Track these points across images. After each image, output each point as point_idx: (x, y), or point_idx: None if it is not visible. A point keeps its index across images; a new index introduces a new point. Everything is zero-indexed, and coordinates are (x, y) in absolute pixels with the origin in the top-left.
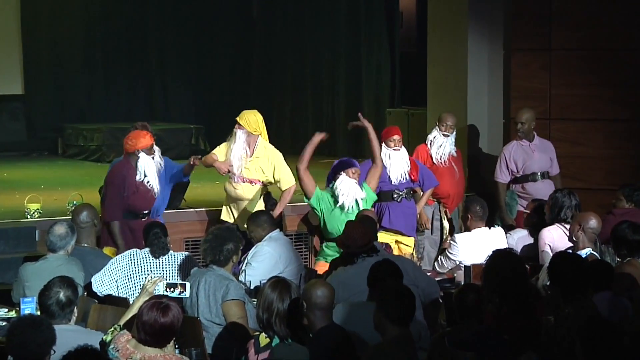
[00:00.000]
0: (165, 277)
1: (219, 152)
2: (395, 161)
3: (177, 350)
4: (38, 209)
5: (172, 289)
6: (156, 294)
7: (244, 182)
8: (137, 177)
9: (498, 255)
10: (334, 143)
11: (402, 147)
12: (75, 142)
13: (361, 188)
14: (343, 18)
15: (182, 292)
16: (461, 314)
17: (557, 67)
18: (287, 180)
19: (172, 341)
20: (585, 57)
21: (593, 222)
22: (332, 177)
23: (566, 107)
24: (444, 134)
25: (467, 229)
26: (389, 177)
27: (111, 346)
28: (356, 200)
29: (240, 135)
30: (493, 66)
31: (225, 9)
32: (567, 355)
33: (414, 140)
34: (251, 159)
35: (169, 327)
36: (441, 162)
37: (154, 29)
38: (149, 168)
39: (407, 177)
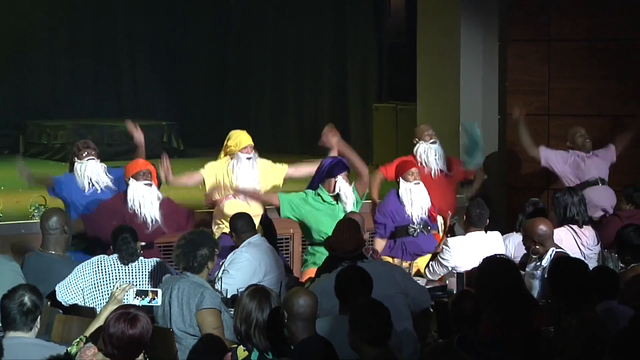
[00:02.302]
0: (135, 285)
1: (207, 174)
2: (417, 196)
3: None
4: None
5: (142, 297)
6: (125, 302)
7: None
8: (129, 206)
9: (490, 262)
10: (317, 141)
11: (420, 181)
12: (38, 140)
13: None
14: (327, 6)
15: (154, 299)
16: (458, 322)
17: (557, 59)
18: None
19: (142, 354)
20: (588, 48)
21: (542, 228)
22: (322, 179)
23: (566, 102)
24: (431, 143)
25: (463, 232)
26: (408, 214)
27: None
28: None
29: (254, 157)
30: (488, 58)
31: None
32: None
33: (402, 138)
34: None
35: (138, 339)
36: (438, 171)
37: (123, 17)
38: (141, 195)
39: (427, 214)
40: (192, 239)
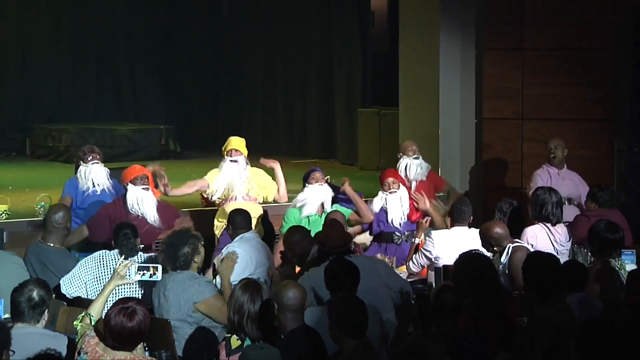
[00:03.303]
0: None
1: (210, 179)
2: (392, 205)
3: (147, 353)
4: (6, 211)
5: (144, 272)
6: (128, 277)
7: (249, 200)
8: (129, 209)
9: (466, 257)
10: (305, 144)
11: (400, 187)
12: (43, 143)
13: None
14: (314, 17)
15: (154, 274)
16: (438, 315)
17: (530, 67)
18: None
19: (142, 344)
20: (558, 56)
21: (498, 231)
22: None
23: (539, 107)
24: (414, 158)
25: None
26: (391, 220)
27: (80, 347)
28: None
29: (240, 160)
30: (465, 65)
31: (195, 7)
32: (542, 356)
33: (386, 141)
34: (251, 178)
35: (136, 332)
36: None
37: (123, 27)
38: (140, 199)
39: (406, 219)
40: (170, 242)
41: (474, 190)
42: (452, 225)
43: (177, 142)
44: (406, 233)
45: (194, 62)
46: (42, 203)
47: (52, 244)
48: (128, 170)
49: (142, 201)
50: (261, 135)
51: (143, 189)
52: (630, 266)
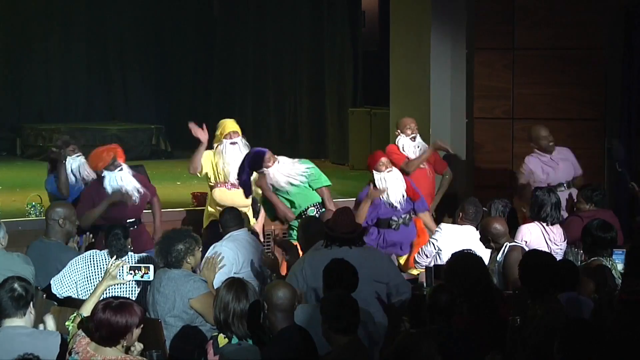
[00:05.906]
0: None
1: (206, 164)
2: (392, 183)
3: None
4: None
5: (135, 272)
6: (120, 277)
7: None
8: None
9: (459, 257)
10: (296, 144)
11: (393, 167)
12: (34, 143)
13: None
14: (305, 17)
15: (146, 274)
16: (433, 314)
17: (521, 66)
18: None
19: (136, 344)
20: (549, 56)
21: (496, 227)
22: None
23: (529, 106)
24: (411, 138)
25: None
26: (390, 202)
27: (72, 347)
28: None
29: (239, 141)
30: (456, 65)
31: (186, 7)
32: (533, 355)
33: (376, 140)
34: None
35: (124, 325)
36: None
37: (114, 27)
38: (117, 181)
39: (406, 197)
40: (167, 236)
41: (464, 189)
42: (461, 224)
43: (167, 141)
44: (402, 216)
45: (184, 62)
46: (33, 203)
47: (54, 239)
48: (97, 158)
49: (122, 180)
50: (252, 134)
51: (119, 171)
52: (621, 266)
